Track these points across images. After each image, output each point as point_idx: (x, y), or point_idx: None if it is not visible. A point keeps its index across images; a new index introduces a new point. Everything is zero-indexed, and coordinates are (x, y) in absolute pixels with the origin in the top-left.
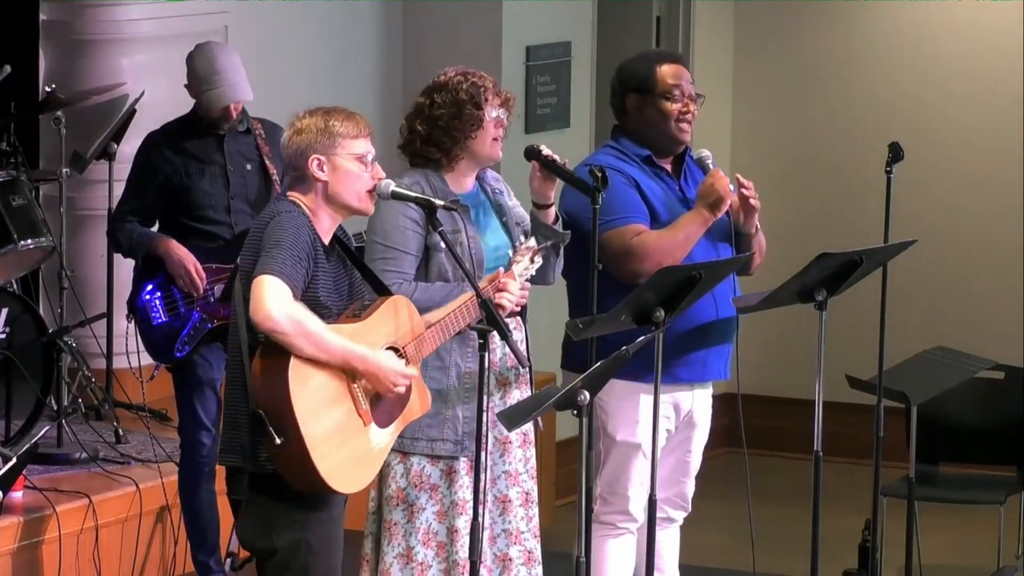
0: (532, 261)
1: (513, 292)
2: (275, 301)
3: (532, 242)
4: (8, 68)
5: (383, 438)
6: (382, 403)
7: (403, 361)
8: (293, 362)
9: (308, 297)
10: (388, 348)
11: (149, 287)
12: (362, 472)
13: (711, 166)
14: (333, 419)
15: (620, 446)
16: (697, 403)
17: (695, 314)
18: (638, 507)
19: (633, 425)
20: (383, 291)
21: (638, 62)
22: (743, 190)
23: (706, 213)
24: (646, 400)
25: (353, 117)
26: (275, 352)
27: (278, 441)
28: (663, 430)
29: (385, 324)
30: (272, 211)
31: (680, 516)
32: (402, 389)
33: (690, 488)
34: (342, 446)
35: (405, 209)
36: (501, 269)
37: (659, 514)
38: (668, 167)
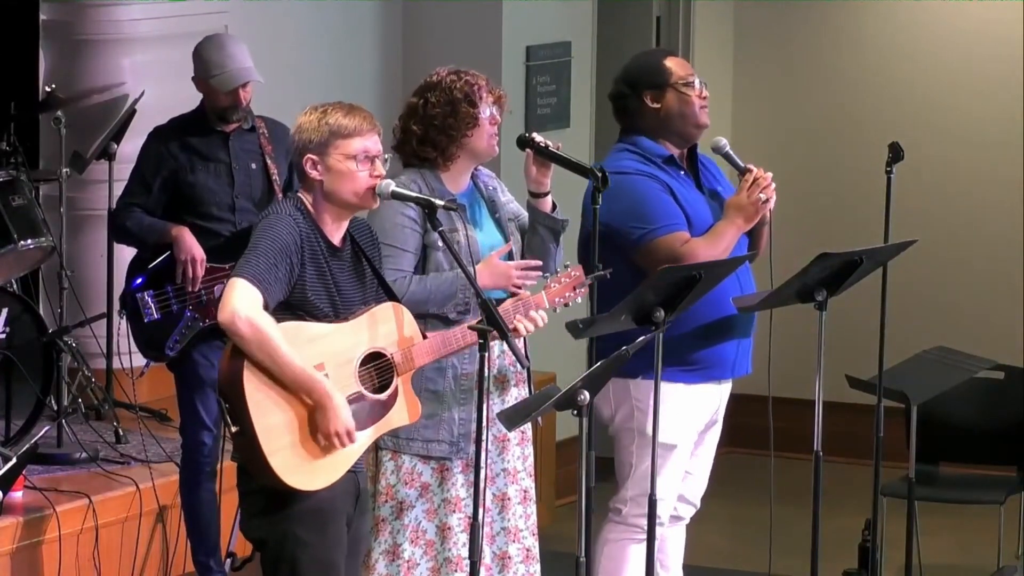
0: (575, 291)
1: (541, 321)
2: (240, 304)
3: (579, 272)
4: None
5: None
6: (356, 407)
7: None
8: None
9: (296, 298)
10: (372, 352)
11: (140, 281)
12: (323, 471)
13: (739, 163)
14: (293, 415)
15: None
16: (721, 400)
17: (720, 308)
18: (666, 509)
19: (670, 424)
20: (393, 298)
21: (645, 60)
22: (765, 190)
23: (741, 223)
24: (684, 399)
25: (353, 113)
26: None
27: (233, 429)
28: (693, 430)
29: (373, 328)
30: (266, 212)
31: (688, 514)
32: (338, 444)
33: (701, 485)
34: (302, 443)
35: (403, 208)
36: (527, 293)
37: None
38: (685, 164)
